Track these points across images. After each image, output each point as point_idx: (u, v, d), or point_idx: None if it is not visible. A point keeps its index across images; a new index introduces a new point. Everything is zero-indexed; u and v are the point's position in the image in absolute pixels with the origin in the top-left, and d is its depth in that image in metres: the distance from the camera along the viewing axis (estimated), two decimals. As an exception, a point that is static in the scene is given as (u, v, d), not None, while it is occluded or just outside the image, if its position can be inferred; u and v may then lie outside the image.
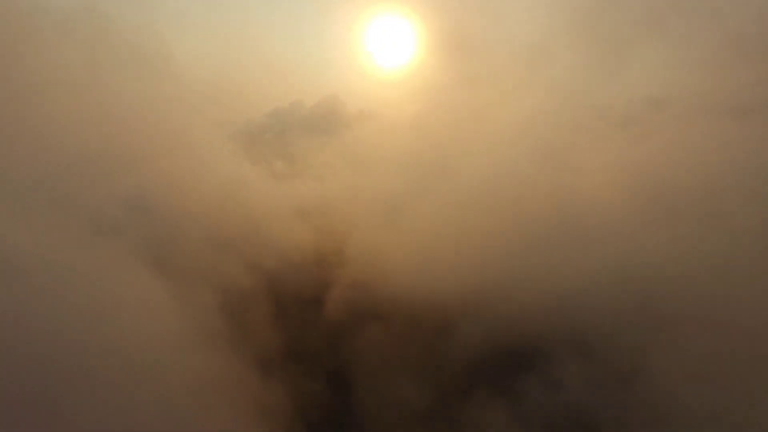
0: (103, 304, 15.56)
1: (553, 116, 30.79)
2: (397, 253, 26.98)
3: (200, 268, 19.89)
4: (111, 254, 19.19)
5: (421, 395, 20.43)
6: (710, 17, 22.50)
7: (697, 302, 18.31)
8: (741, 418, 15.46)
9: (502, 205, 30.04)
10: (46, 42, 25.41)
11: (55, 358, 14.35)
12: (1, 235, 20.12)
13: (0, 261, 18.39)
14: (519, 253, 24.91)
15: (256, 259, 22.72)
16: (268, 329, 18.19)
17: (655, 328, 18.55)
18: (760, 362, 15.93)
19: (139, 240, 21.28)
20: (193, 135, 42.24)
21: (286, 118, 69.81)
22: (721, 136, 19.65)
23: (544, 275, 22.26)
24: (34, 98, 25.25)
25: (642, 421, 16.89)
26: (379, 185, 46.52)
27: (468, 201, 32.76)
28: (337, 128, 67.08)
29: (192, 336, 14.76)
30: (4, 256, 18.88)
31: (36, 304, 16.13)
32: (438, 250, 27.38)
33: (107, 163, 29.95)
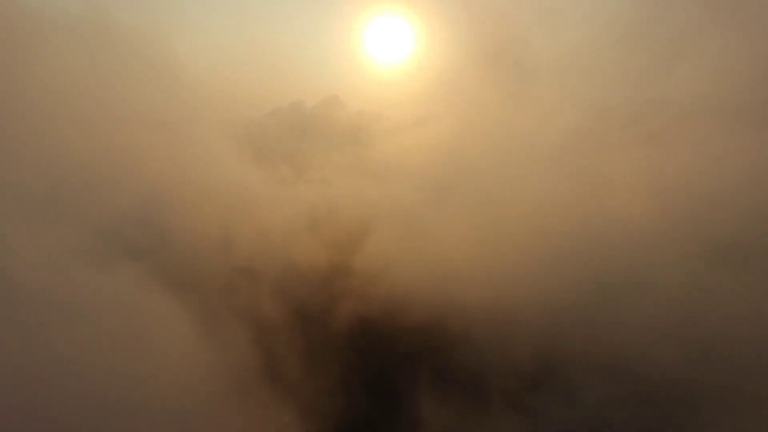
0: (126, 341, 14.24)
1: (570, 123, 30.02)
2: (419, 268, 26.10)
3: (223, 295, 18.62)
4: (127, 279, 17.81)
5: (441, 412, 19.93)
6: (753, 32, 21.90)
7: (729, 318, 17.97)
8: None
9: (522, 214, 29.31)
10: (50, 46, 23.90)
11: (75, 407, 13.07)
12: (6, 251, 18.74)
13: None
14: (537, 263, 24.36)
15: (278, 283, 21.59)
16: (303, 366, 17.09)
17: (682, 343, 18.16)
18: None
19: (154, 261, 19.92)
20: (199, 139, 40.95)
21: (291, 118, 68.44)
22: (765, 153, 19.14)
23: (565, 289, 21.65)
24: (36, 103, 23.76)
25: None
26: (391, 191, 45.73)
27: (485, 208, 32.00)
28: (343, 129, 65.98)
29: (230, 384, 13.58)
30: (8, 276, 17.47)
31: (49, 340, 14.77)
32: (459, 261, 26.53)
33: (113, 172, 28.58)
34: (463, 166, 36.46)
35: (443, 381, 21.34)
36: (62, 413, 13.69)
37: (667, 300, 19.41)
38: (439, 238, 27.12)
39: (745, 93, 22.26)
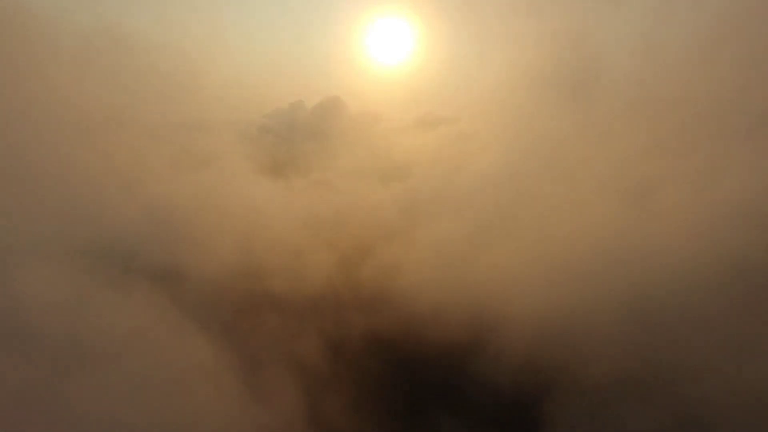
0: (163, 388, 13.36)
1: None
2: (450, 288, 25.12)
3: (259, 335, 17.66)
4: (152, 312, 16.87)
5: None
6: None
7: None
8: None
9: (535, 218, 28.40)
10: (66, 59, 22.85)
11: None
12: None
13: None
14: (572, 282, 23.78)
15: (307, 315, 20.79)
16: (344, 405, 16.27)
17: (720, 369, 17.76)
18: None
19: (177, 292, 18.99)
20: (206, 144, 39.95)
21: (293, 118, 67.30)
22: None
23: (608, 310, 20.88)
24: (49, 115, 22.69)
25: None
26: (399, 195, 44.84)
27: (498, 210, 31.10)
28: (345, 129, 64.92)
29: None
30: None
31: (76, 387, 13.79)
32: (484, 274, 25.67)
33: (122, 184, 27.56)
34: (485, 174, 35.57)
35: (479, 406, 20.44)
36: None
37: (709, 327, 18.87)
38: (467, 256, 26.37)
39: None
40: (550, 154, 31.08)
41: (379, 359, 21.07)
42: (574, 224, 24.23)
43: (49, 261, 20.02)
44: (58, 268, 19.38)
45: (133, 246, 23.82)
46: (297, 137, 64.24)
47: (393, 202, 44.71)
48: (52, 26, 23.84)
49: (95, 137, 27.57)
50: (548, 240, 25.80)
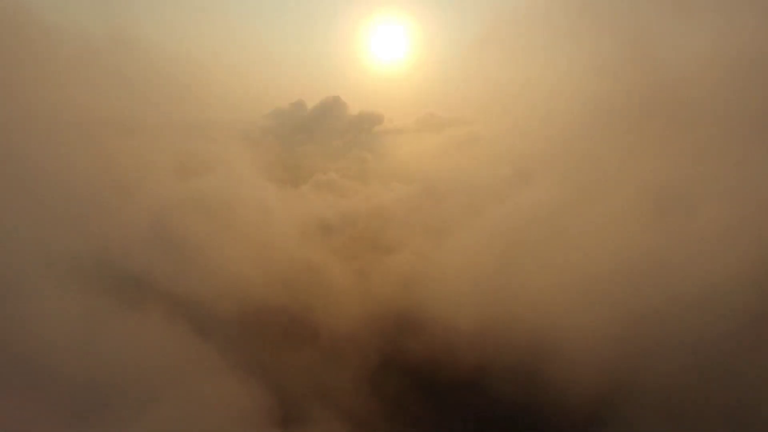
0: None
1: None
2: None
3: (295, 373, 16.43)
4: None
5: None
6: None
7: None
8: None
9: (551, 227, 27.49)
10: (66, 61, 21.47)
11: None
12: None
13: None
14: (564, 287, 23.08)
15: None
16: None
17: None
18: None
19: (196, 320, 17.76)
20: (210, 147, 38.63)
21: (297, 118, 66.09)
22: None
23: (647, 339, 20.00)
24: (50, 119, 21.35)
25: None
26: (407, 200, 43.87)
27: (518, 223, 30.13)
28: (346, 130, 63.73)
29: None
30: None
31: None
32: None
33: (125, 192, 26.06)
34: (500, 181, 34.72)
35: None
36: None
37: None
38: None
39: None
40: (561, 161, 30.44)
41: (415, 389, 19.98)
42: (603, 241, 23.45)
43: (55, 279, 18.59)
44: (67, 290, 17.94)
45: (142, 263, 22.38)
46: (297, 138, 63.25)
47: (400, 205, 43.88)
48: (53, 29, 22.51)
49: (96, 141, 26.07)
50: (573, 257, 24.89)
